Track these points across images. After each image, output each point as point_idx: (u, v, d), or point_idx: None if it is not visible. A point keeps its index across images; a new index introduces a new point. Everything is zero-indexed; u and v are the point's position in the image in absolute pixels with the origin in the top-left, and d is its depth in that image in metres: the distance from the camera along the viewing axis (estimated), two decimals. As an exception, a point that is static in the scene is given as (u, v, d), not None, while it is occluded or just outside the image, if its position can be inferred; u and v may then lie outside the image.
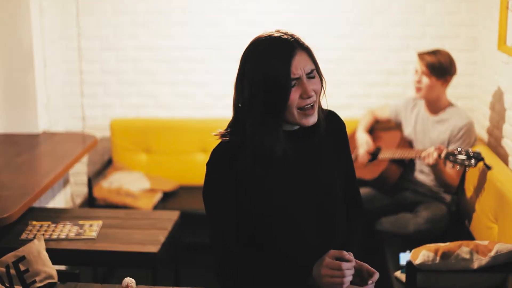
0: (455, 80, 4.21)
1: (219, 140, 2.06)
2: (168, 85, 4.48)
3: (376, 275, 1.99)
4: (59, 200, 4.13)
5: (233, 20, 4.35)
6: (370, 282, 1.97)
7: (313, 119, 1.98)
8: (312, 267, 1.97)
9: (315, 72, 1.97)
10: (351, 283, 1.98)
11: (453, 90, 4.28)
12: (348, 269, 1.92)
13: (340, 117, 2.19)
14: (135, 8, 4.37)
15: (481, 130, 4.12)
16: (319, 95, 2.00)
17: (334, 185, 2.09)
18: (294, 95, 1.93)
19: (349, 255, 1.94)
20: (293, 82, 1.92)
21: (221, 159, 2.01)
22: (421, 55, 3.66)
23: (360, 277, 2.02)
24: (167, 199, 4.16)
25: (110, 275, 3.89)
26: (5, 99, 3.95)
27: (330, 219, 2.08)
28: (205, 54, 4.42)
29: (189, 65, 4.45)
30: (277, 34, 1.97)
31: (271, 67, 1.91)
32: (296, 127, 2.04)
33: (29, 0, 3.85)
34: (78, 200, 4.57)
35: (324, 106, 2.15)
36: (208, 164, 2.04)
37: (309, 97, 1.94)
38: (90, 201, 4.03)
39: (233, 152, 2.00)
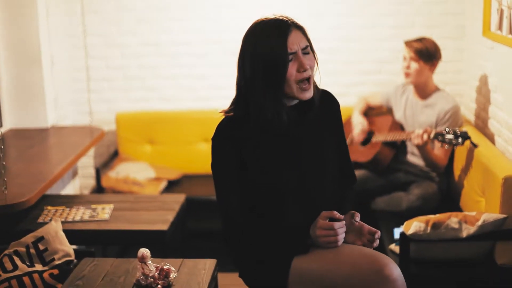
0: (443, 67, 4.41)
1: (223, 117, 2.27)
2: (170, 78, 4.67)
3: (378, 233, 2.19)
4: (69, 191, 4.31)
5: (232, 14, 4.54)
6: (376, 236, 2.18)
7: (309, 94, 2.18)
8: (309, 229, 2.17)
9: (309, 49, 2.18)
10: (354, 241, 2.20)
11: (442, 76, 4.47)
12: (340, 227, 2.12)
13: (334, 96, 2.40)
14: (137, 5, 4.56)
15: (469, 114, 4.32)
16: (314, 70, 2.20)
17: (327, 156, 2.29)
18: (292, 69, 2.13)
19: (339, 214, 2.14)
20: (290, 57, 2.12)
21: (225, 133, 2.21)
22: (408, 43, 3.86)
23: (360, 235, 2.22)
24: (172, 187, 4.34)
25: (120, 255, 4.06)
26: (15, 96, 4.13)
27: (324, 187, 2.28)
28: (205, 48, 4.61)
29: (190, 59, 4.64)
30: (273, 17, 2.20)
31: (270, 44, 2.12)
32: (294, 102, 2.24)
33: (36, 0, 4.04)
34: (85, 192, 4.76)
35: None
36: (213, 139, 2.23)
37: (305, 70, 2.14)
38: (99, 191, 4.22)
39: (236, 126, 2.19)
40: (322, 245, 2.14)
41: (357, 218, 2.20)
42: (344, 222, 2.15)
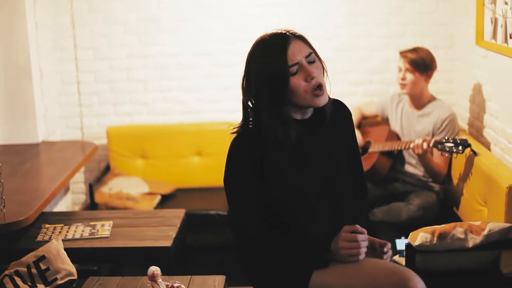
0: (434, 76, 4.42)
1: (234, 136, 2.23)
2: (161, 91, 4.62)
3: (389, 245, 2.17)
4: (61, 207, 4.24)
5: (221, 26, 4.51)
6: (385, 249, 2.15)
7: (324, 99, 2.14)
8: (329, 242, 2.13)
9: (314, 56, 2.14)
10: (367, 256, 2.16)
11: (433, 86, 4.47)
12: (363, 240, 2.09)
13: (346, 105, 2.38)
14: (126, 18, 4.51)
15: (462, 123, 4.33)
16: (324, 77, 2.16)
17: (343, 167, 2.27)
18: (299, 80, 2.09)
19: (362, 228, 2.11)
20: (294, 69, 2.08)
21: (240, 148, 2.17)
22: (403, 53, 3.86)
23: (373, 250, 2.19)
24: (166, 202, 4.29)
25: (114, 273, 3.99)
26: (4, 111, 4.05)
27: (340, 198, 2.25)
28: (195, 60, 4.57)
29: (180, 72, 4.59)
30: (271, 32, 2.17)
31: (270, 59, 2.09)
32: (308, 115, 2.21)
33: (25, 13, 3.96)
34: (77, 208, 4.67)
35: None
36: (228, 154, 2.19)
37: (312, 78, 2.10)
38: (92, 207, 4.14)
39: (250, 141, 2.16)
40: (343, 258, 2.11)
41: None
42: (366, 236, 2.12)
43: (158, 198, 4.26)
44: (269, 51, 2.10)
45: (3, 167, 3.65)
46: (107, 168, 4.58)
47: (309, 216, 2.20)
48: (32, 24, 4.06)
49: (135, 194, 4.21)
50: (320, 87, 2.12)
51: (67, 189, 4.38)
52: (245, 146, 2.17)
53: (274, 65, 2.08)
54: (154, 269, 2.39)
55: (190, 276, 2.60)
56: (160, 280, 2.39)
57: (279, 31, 2.16)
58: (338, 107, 2.32)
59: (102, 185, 4.33)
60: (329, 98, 2.25)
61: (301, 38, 2.15)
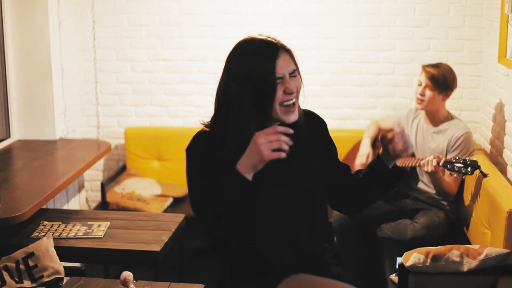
0: (459, 92, 4.32)
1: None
2: (181, 95, 4.64)
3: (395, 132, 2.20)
4: (74, 204, 4.30)
5: (242, 33, 4.47)
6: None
7: (294, 117, 2.12)
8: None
9: (296, 72, 2.12)
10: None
11: (457, 102, 4.38)
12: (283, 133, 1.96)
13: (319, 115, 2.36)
14: (150, 21, 4.55)
15: (484, 141, 4.21)
16: (299, 93, 2.14)
17: (314, 175, 2.22)
18: (278, 92, 2.07)
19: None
20: (277, 81, 2.07)
21: (200, 144, 2.13)
22: (425, 68, 3.77)
23: (398, 149, 2.21)
24: (177, 205, 4.30)
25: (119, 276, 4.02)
26: (24, 107, 4.14)
27: (310, 205, 2.20)
28: (215, 65, 4.57)
29: (200, 76, 4.60)
30: (260, 37, 2.14)
31: (257, 67, 2.06)
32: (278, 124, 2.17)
33: (48, 13, 4.04)
34: (93, 205, 4.74)
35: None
36: (187, 149, 2.16)
37: (291, 92, 2.08)
38: (104, 206, 4.19)
39: (213, 143, 2.11)
40: (266, 156, 1.96)
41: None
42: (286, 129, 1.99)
43: (169, 201, 4.28)
44: (258, 57, 2.08)
45: (17, 162, 3.75)
46: (124, 168, 4.63)
47: (276, 224, 2.15)
48: (55, 24, 4.14)
49: (147, 196, 4.24)
50: (293, 104, 2.11)
51: (81, 187, 4.44)
52: (205, 146, 2.12)
53: (262, 72, 2.06)
54: (127, 274, 2.40)
55: (169, 282, 2.60)
56: (132, 285, 2.40)
57: (269, 39, 2.13)
58: (311, 117, 2.30)
59: (116, 184, 4.37)
60: (300, 108, 2.22)
61: (289, 53, 2.14)
